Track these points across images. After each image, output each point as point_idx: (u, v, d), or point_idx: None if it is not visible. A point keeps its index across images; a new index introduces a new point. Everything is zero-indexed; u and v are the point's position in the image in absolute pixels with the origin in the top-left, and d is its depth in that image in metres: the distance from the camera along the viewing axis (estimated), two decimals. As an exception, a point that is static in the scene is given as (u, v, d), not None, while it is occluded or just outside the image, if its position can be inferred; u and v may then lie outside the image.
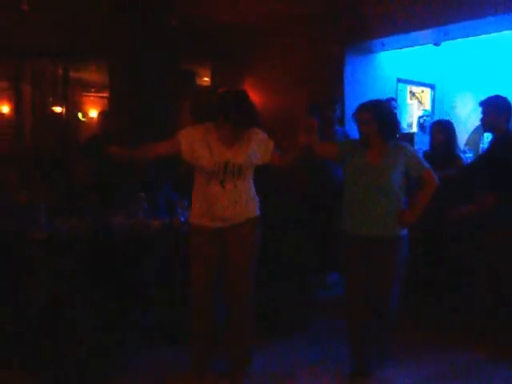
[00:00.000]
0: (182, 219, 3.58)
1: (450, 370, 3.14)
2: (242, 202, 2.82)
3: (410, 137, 4.99)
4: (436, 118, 5.71)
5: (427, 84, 6.20)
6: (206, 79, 6.68)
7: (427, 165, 2.97)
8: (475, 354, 3.33)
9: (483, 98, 3.57)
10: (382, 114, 2.87)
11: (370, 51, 5.42)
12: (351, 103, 5.32)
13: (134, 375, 3.01)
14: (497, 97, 3.55)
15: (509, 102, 3.50)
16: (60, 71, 6.78)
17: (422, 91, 6.28)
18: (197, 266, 2.85)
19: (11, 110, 6.97)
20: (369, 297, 2.92)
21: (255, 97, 6.17)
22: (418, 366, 3.18)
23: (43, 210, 3.40)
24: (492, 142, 3.72)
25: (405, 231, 2.92)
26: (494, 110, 3.50)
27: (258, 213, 2.91)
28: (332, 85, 5.33)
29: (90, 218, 3.40)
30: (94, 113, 8.34)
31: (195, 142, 2.76)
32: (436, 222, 4.09)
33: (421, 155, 4.92)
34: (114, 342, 3.05)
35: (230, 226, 2.83)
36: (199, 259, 2.85)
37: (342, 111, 5.17)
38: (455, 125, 4.40)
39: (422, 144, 4.91)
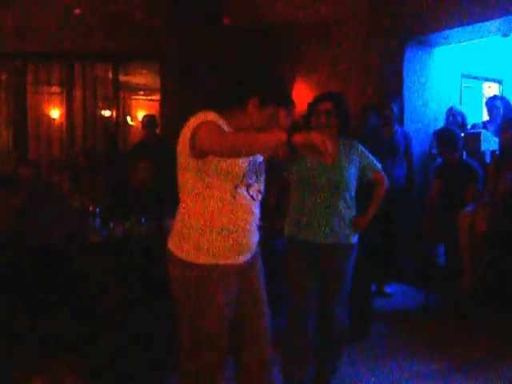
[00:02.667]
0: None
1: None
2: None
3: (476, 137, 4.67)
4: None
5: (494, 79, 5.83)
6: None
7: (379, 164, 2.70)
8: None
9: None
10: (343, 105, 2.58)
11: (431, 45, 5.11)
12: (411, 102, 5.07)
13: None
14: None
15: None
16: (110, 75, 6.82)
17: (489, 87, 5.92)
18: (215, 320, 1.98)
19: (63, 114, 7.07)
20: (312, 311, 2.56)
21: (309, 96, 5.99)
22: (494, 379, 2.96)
23: (97, 214, 3.37)
24: None
25: (356, 238, 2.64)
26: None
27: None
28: (390, 82, 5.08)
29: (144, 221, 3.35)
30: (142, 116, 8.39)
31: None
32: (509, 226, 3.82)
33: (489, 156, 4.70)
34: (169, 343, 2.95)
35: (251, 257, 2.07)
36: (219, 312, 1.98)
37: (401, 110, 4.93)
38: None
39: (490, 144, 4.60)
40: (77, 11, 6.30)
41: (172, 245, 2.01)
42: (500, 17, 4.33)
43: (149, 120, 5.67)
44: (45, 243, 3.21)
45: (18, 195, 3.67)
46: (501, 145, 4.29)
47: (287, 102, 2.04)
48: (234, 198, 1.94)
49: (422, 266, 4.48)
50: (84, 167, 5.36)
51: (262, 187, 2.06)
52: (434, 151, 4.85)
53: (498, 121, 4.77)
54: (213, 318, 1.96)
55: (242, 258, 2.01)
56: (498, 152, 4.42)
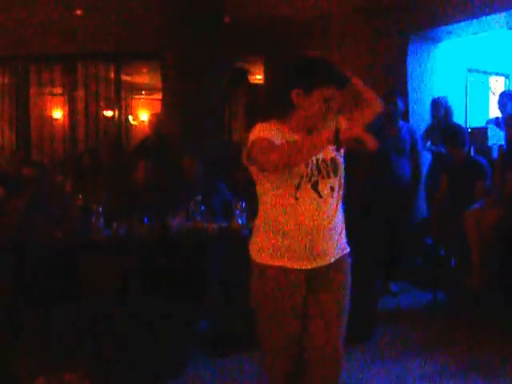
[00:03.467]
0: (240, 221, 3.45)
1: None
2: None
3: (482, 131, 4.61)
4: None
5: (501, 73, 5.76)
6: (259, 77, 6.52)
7: None
8: None
9: None
10: None
11: (436, 40, 5.05)
12: (415, 97, 5.00)
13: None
14: None
15: None
16: (112, 75, 6.80)
17: (496, 81, 5.85)
18: (274, 330, 1.91)
19: (65, 115, 7.06)
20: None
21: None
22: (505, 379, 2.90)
23: (100, 214, 3.34)
24: None
25: None
26: None
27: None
28: (394, 78, 5.01)
29: (147, 221, 3.33)
30: (144, 115, 8.37)
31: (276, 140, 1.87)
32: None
33: (496, 151, 4.63)
34: (169, 345, 2.95)
35: (325, 265, 1.91)
36: (277, 322, 1.90)
37: (406, 105, 4.86)
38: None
39: (498, 139, 4.53)
40: (78, 12, 6.29)
41: (250, 250, 1.96)
42: (506, 10, 4.27)
43: (155, 119, 5.64)
44: (48, 243, 3.19)
45: (21, 196, 3.65)
46: (507, 140, 4.23)
47: (333, 78, 1.84)
48: (297, 199, 1.83)
49: (429, 264, 4.43)
50: (87, 167, 5.34)
51: (335, 184, 1.90)
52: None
53: None
54: (271, 325, 1.89)
55: (307, 264, 1.85)
56: (505, 147, 4.35)
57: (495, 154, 4.56)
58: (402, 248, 4.49)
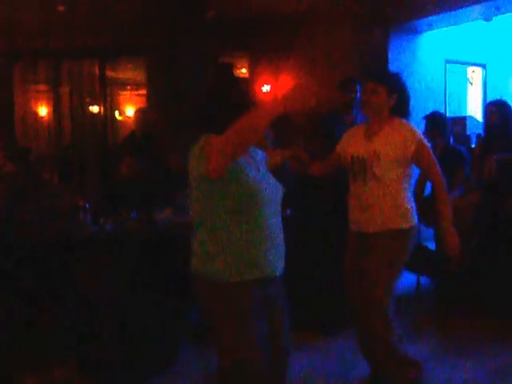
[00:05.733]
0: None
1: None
2: None
3: (462, 122, 4.70)
4: (488, 99, 5.38)
5: (478, 64, 5.86)
6: (244, 71, 6.55)
7: None
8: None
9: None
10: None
11: (415, 31, 5.14)
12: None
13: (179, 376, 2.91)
14: None
15: None
16: (97, 71, 6.79)
17: (473, 71, 5.95)
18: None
19: (50, 111, 7.04)
20: None
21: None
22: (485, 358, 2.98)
23: (87, 210, 3.35)
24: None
25: None
26: None
27: None
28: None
29: (134, 216, 3.34)
30: (130, 111, 8.36)
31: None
32: (496, 209, 3.86)
33: (474, 139, 4.72)
34: (160, 337, 2.98)
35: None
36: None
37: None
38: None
39: (477, 128, 4.63)
40: (60, 8, 6.27)
41: None
42: (482, 1, 4.36)
43: (140, 114, 5.64)
44: (35, 241, 3.19)
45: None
46: (486, 128, 4.31)
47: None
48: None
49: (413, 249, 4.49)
50: (73, 162, 5.34)
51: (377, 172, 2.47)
52: None
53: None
54: None
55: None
56: (483, 135, 4.44)
57: (473, 143, 4.65)
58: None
